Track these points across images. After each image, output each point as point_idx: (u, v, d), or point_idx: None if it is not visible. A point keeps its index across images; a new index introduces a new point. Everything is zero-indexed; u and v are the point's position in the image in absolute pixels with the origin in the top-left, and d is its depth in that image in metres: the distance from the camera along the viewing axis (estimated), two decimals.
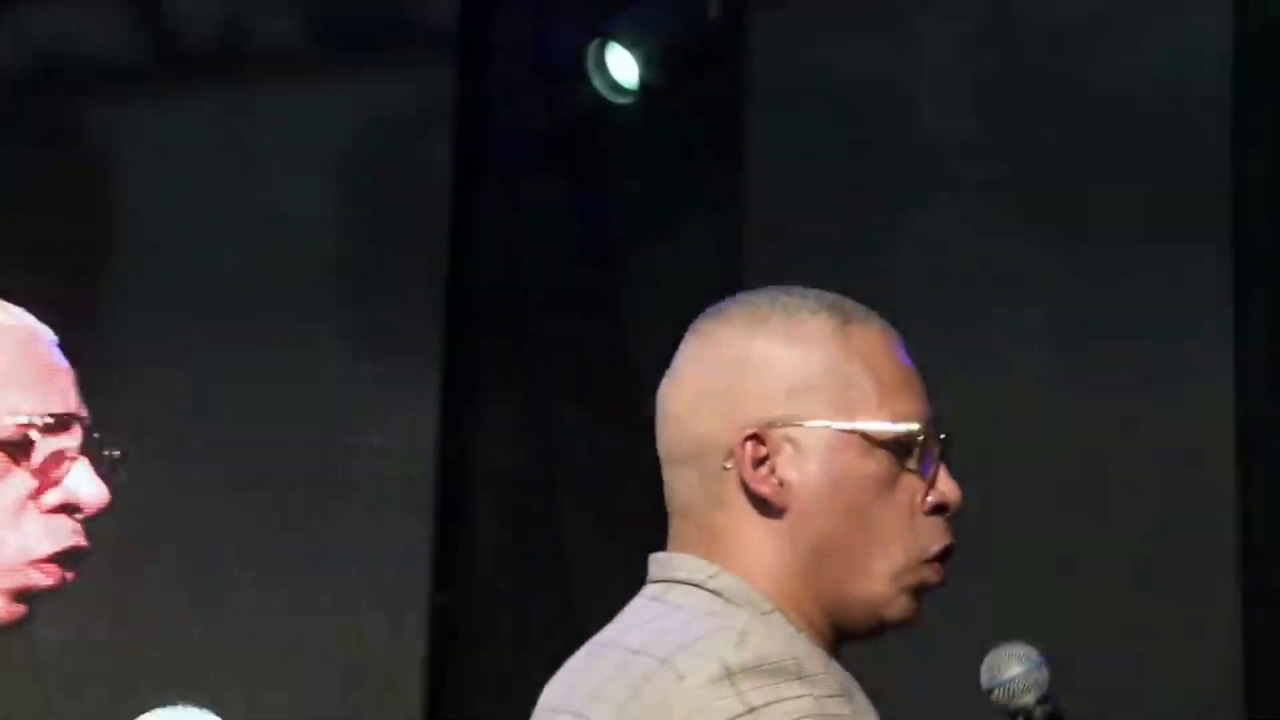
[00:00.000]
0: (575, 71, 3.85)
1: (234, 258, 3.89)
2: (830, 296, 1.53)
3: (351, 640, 3.75)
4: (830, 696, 1.38)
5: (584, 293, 4.07)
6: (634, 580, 4.18)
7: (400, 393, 3.93)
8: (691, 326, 1.55)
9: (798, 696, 1.36)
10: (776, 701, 1.36)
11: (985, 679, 1.55)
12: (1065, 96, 3.79)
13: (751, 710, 1.35)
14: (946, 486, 1.49)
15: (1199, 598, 3.62)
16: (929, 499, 1.48)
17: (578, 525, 4.01)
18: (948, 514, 1.49)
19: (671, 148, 4.01)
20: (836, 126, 3.89)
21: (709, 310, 1.56)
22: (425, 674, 3.81)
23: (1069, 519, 3.70)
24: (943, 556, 1.49)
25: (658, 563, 1.54)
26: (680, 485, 1.51)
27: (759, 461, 1.47)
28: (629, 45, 3.83)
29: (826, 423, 1.46)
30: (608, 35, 3.83)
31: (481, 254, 4.07)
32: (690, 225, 4.01)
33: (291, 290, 3.91)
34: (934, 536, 1.48)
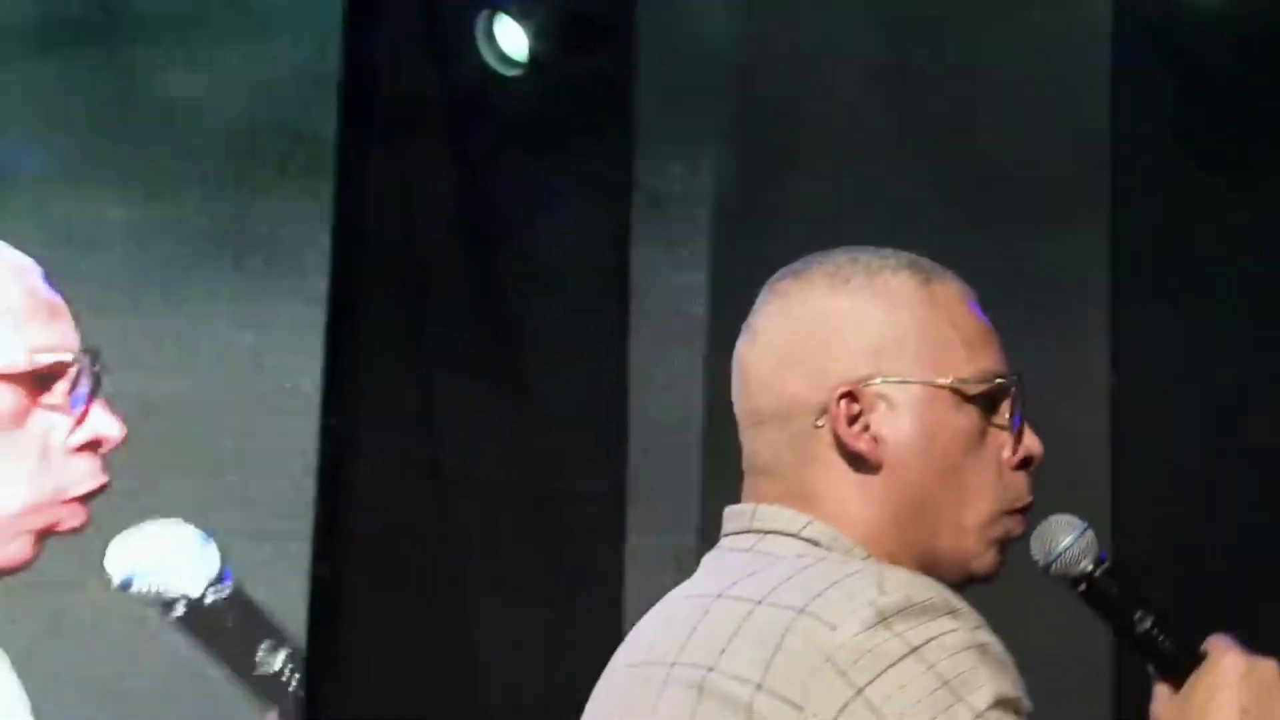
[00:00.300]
0: (464, 42, 3.83)
1: (116, 222, 3.83)
2: (906, 255, 1.56)
3: None
4: (978, 628, 1.40)
5: (472, 265, 4.05)
6: (520, 555, 4.17)
7: (283, 363, 3.88)
8: (770, 288, 1.57)
9: (953, 630, 1.38)
10: (936, 637, 1.37)
11: (1040, 556, 1.57)
12: (952, 70, 3.83)
13: (914, 650, 1.36)
14: (1031, 441, 1.54)
15: None
16: (1017, 453, 1.52)
17: (464, 500, 3.99)
18: (1031, 468, 1.53)
19: (561, 120, 4.00)
20: (725, 99, 3.90)
21: (786, 271, 1.57)
22: (307, 644, 3.77)
23: None
24: (1025, 510, 1.54)
25: (740, 515, 1.55)
26: (764, 445, 1.53)
27: (853, 419, 1.49)
28: (518, 17, 3.82)
29: (920, 378, 1.50)
30: (497, 6, 3.82)
31: (368, 223, 4.03)
32: (579, 198, 4.01)
33: (174, 256, 3.86)
34: (1019, 490, 1.53)
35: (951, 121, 3.87)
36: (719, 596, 1.47)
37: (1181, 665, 1.53)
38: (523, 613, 3.95)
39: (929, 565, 1.49)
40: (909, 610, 1.38)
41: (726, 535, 1.56)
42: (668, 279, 3.86)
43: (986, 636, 1.40)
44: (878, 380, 1.50)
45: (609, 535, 3.84)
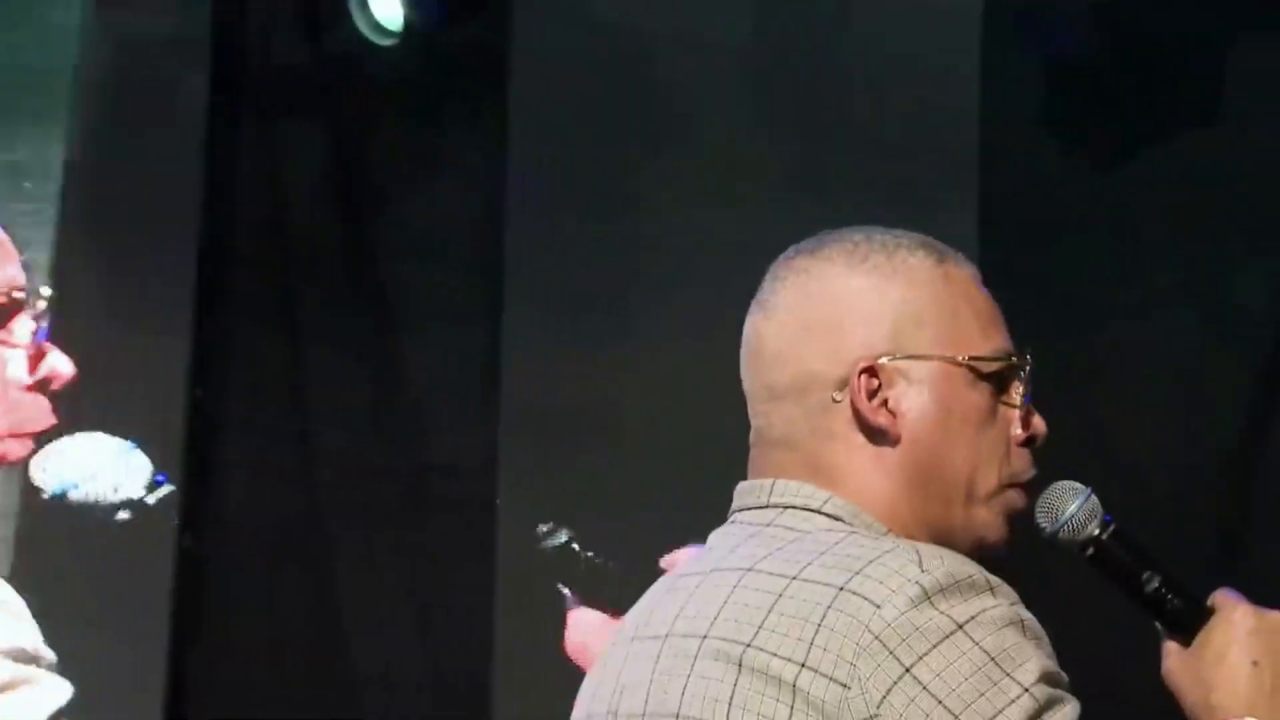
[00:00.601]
0: (338, 10, 3.80)
1: None
2: (918, 235, 1.59)
3: (98, 580, 3.66)
4: (1015, 603, 1.42)
5: (344, 236, 4.02)
6: (390, 527, 4.13)
7: (150, 336, 3.84)
8: (784, 264, 1.59)
9: (995, 606, 1.40)
10: (979, 613, 1.39)
11: (1046, 524, 1.57)
12: (819, 44, 3.86)
13: (960, 627, 1.38)
14: (1037, 420, 1.56)
15: None
16: (1026, 430, 1.55)
17: (332, 471, 3.96)
18: (1035, 445, 1.56)
19: (436, 90, 3.98)
20: (601, 71, 3.90)
21: (800, 248, 1.59)
22: (173, 615, 3.74)
23: None
24: (1029, 484, 1.56)
25: (757, 490, 1.56)
26: (779, 418, 1.54)
27: (872, 393, 1.51)
28: None
29: (937, 354, 1.52)
30: None
31: (238, 194, 3.99)
32: (454, 169, 3.99)
33: (36, 227, 3.80)
34: (1025, 466, 1.56)
35: (821, 100, 3.90)
36: (749, 571, 1.48)
37: (1190, 622, 1.54)
38: (392, 584, 3.93)
39: (942, 536, 1.51)
40: (952, 587, 1.40)
41: (742, 510, 1.57)
42: (544, 251, 3.85)
43: (1024, 613, 1.43)
44: (896, 356, 1.53)
45: (480, 507, 3.83)
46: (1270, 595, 1.61)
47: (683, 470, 3.77)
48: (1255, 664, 1.49)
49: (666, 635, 1.50)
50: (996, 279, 3.98)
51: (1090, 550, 1.55)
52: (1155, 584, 1.54)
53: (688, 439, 3.78)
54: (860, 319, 1.53)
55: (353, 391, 3.99)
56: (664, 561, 3.42)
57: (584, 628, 3.42)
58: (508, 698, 3.77)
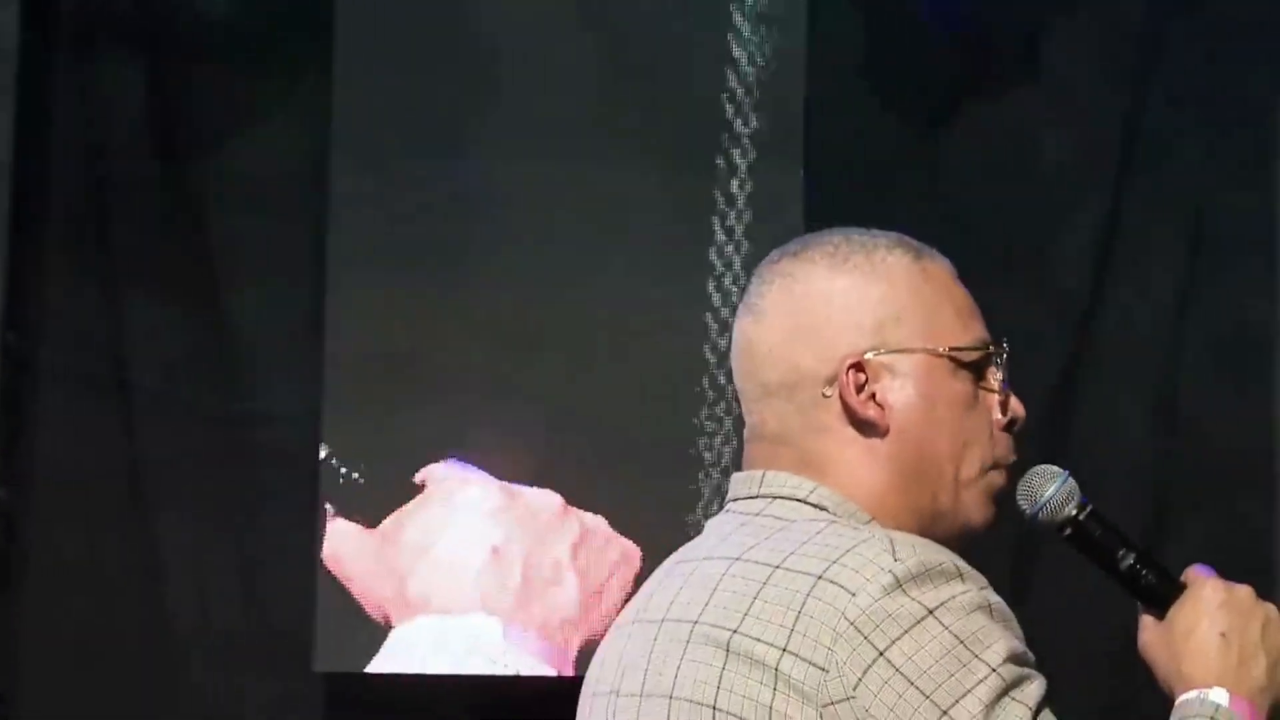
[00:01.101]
0: None
1: None
2: (894, 234, 1.66)
3: None
4: (984, 588, 1.50)
5: (164, 182, 3.94)
6: (211, 477, 4.06)
7: None
8: (769, 268, 1.65)
9: (964, 592, 1.48)
10: (949, 599, 1.47)
11: (1026, 506, 1.62)
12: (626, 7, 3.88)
13: (930, 612, 1.46)
14: (1016, 404, 1.64)
15: None
16: (1006, 414, 1.63)
17: (152, 420, 3.90)
18: (1015, 429, 1.64)
19: (259, 36, 3.91)
20: (427, 20, 3.87)
21: (782, 252, 1.66)
22: None
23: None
24: (1011, 467, 1.63)
25: (749, 480, 1.63)
26: (771, 415, 1.62)
27: (860, 388, 1.59)
28: None
29: (919, 347, 1.60)
30: None
31: (53, 136, 3.90)
32: (278, 116, 3.93)
33: None
34: (1006, 450, 1.63)
35: (647, 48, 3.89)
36: (737, 560, 1.55)
37: (1164, 597, 1.61)
38: (213, 534, 3.88)
39: (928, 523, 1.58)
40: (923, 575, 1.47)
41: (735, 500, 1.64)
42: (368, 200, 3.81)
43: (993, 597, 1.50)
44: (881, 351, 1.60)
45: (302, 457, 3.80)
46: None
47: (503, 415, 3.78)
48: (1223, 636, 1.56)
49: (663, 620, 1.58)
50: (824, 217, 4.00)
51: (1068, 530, 1.61)
52: (1130, 561, 1.61)
53: (508, 385, 3.78)
54: (845, 317, 1.61)
55: (173, 339, 3.93)
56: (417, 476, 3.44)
57: (337, 538, 3.45)
58: (328, 647, 3.74)
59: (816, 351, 1.60)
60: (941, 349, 1.61)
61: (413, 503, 3.69)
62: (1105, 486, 3.84)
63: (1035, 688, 1.47)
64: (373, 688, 3.80)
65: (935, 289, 1.63)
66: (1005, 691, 1.45)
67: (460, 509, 3.61)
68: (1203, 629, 1.57)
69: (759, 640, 1.49)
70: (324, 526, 3.64)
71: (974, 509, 1.61)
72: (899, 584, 1.47)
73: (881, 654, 1.45)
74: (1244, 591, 1.60)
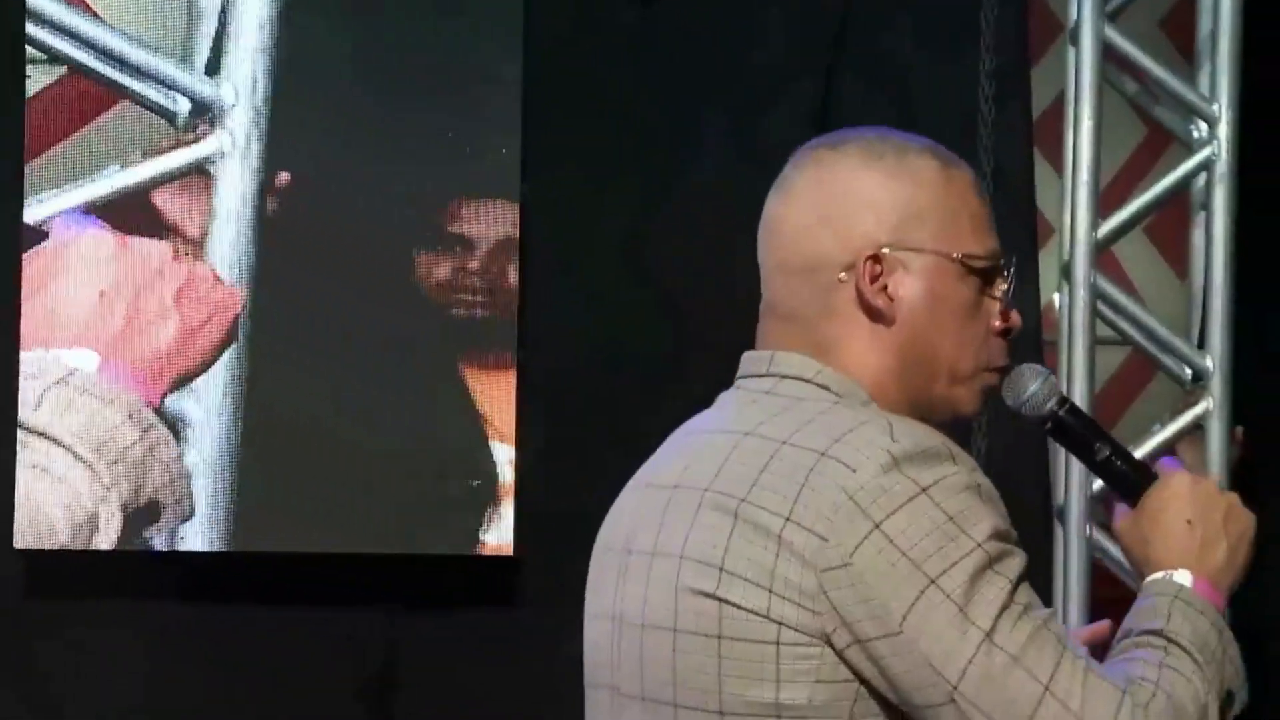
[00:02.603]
0: None
1: None
2: (927, 140, 1.75)
3: None
4: (973, 470, 1.60)
5: None
6: None
7: None
8: (805, 152, 1.74)
9: (954, 473, 1.58)
10: (941, 479, 1.57)
11: (1011, 400, 1.75)
12: None
13: (924, 490, 1.56)
14: (1014, 315, 1.74)
15: None
16: (1004, 323, 1.73)
17: None
18: (1010, 336, 1.74)
19: None
20: None
21: (822, 140, 1.74)
22: None
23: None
24: (1002, 369, 1.75)
25: (759, 360, 1.73)
26: (788, 293, 1.71)
27: (874, 278, 1.68)
28: None
29: (934, 249, 1.69)
30: None
31: None
32: None
33: None
34: (1000, 353, 1.74)
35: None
36: (747, 435, 1.65)
37: (1137, 486, 1.73)
38: None
39: (923, 409, 1.69)
40: (918, 455, 1.58)
41: (745, 377, 1.74)
42: None
43: (981, 478, 1.60)
44: (898, 247, 1.68)
45: None
46: None
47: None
48: (1189, 523, 1.69)
49: (675, 486, 1.69)
50: (542, 118, 4.01)
51: (1049, 424, 1.75)
52: (1106, 453, 1.74)
53: None
54: (870, 210, 1.69)
55: None
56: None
57: None
58: None
59: (838, 238, 1.68)
60: (955, 254, 1.69)
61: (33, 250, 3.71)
62: None
63: (1016, 562, 1.58)
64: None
65: (957, 197, 1.71)
66: (989, 565, 1.56)
67: (75, 257, 3.73)
68: (1169, 515, 1.70)
69: (764, 509, 1.59)
70: None
71: (964, 402, 1.72)
72: (896, 463, 1.57)
73: (877, 526, 1.55)
74: (1209, 482, 1.74)
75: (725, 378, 3.90)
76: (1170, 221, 4.06)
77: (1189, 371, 3.54)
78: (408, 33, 3.89)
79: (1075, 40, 3.52)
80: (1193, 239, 3.69)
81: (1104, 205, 3.61)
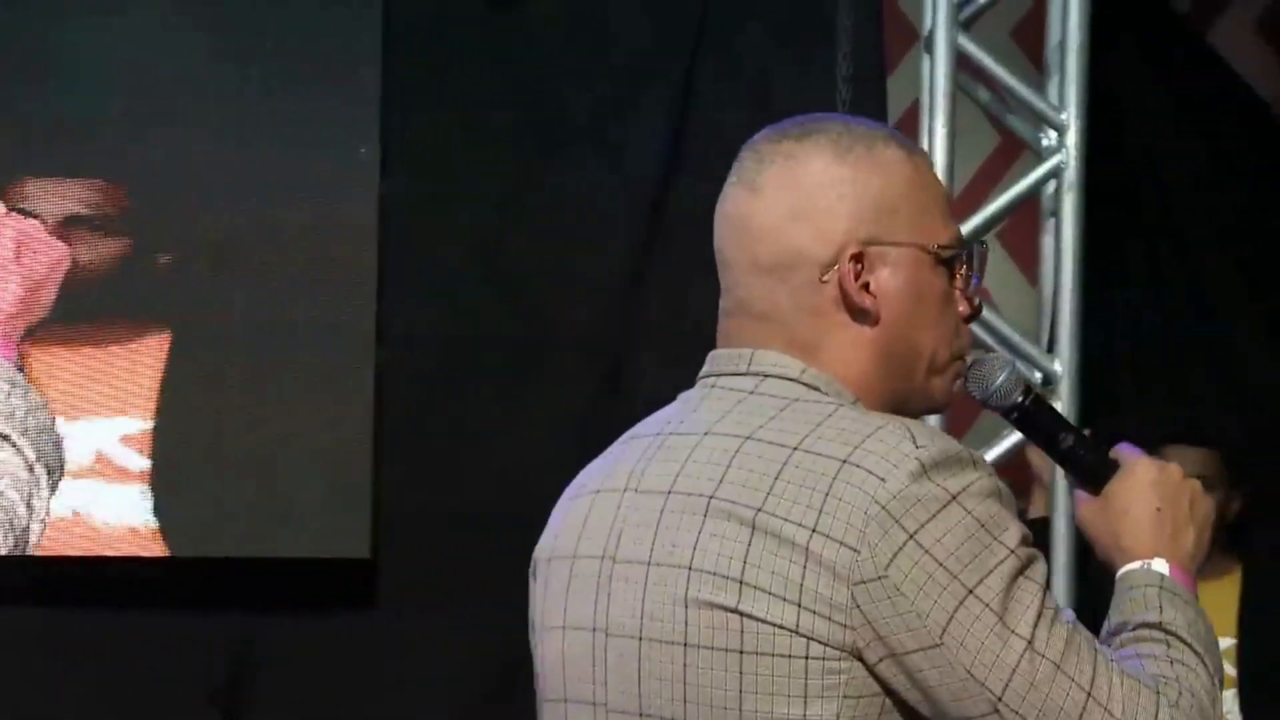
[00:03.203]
0: None
1: None
2: (883, 126, 1.72)
3: None
4: (991, 474, 1.58)
5: None
6: None
7: None
8: (770, 146, 1.68)
9: (979, 478, 1.56)
10: (970, 484, 1.55)
11: (978, 392, 1.74)
12: None
13: (954, 498, 1.54)
14: (976, 298, 1.72)
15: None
16: (970, 309, 1.71)
17: None
18: (973, 320, 1.72)
19: None
20: None
21: (782, 134, 1.68)
22: None
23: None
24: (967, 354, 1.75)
25: (736, 358, 1.66)
26: (761, 292, 1.65)
27: (856, 276, 1.64)
28: None
29: (911, 241, 1.65)
30: None
31: None
32: None
33: None
34: (968, 339, 1.72)
35: None
36: (748, 439, 1.60)
37: (1101, 474, 1.73)
38: None
39: (901, 402, 1.67)
40: (945, 462, 1.55)
41: (721, 375, 1.67)
42: None
43: (999, 482, 1.59)
44: (877, 242, 1.64)
45: None
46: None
47: None
48: (1158, 511, 1.70)
49: (669, 492, 1.61)
50: (400, 118, 3.99)
51: (1015, 415, 1.74)
52: (1070, 442, 1.74)
53: None
54: (846, 206, 1.64)
55: None
56: None
57: None
58: None
59: (815, 236, 1.64)
60: (930, 245, 1.66)
61: None
62: (677, 362, 3.95)
63: (1042, 566, 1.57)
64: None
65: (925, 185, 1.69)
66: (1021, 571, 1.54)
67: None
68: (1139, 505, 1.70)
69: (786, 520, 1.54)
70: None
71: (938, 393, 1.70)
72: (925, 471, 1.54)
73: (911, 536, 1.52)
74: (1173, 468, 1.73)
75: (583, 378, 3.98)
76: (1022, 228, 4.12)
77: (1039, 375, 3.60)
78: (267, 31, 3.86)
79: (929, 48, 3.57)
80: (1042, 245, 3.74)
81: (958, 211, 3.65)
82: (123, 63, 3.82)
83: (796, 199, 1.65)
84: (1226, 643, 3.88)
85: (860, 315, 1.65)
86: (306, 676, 3.90)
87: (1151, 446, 4.15)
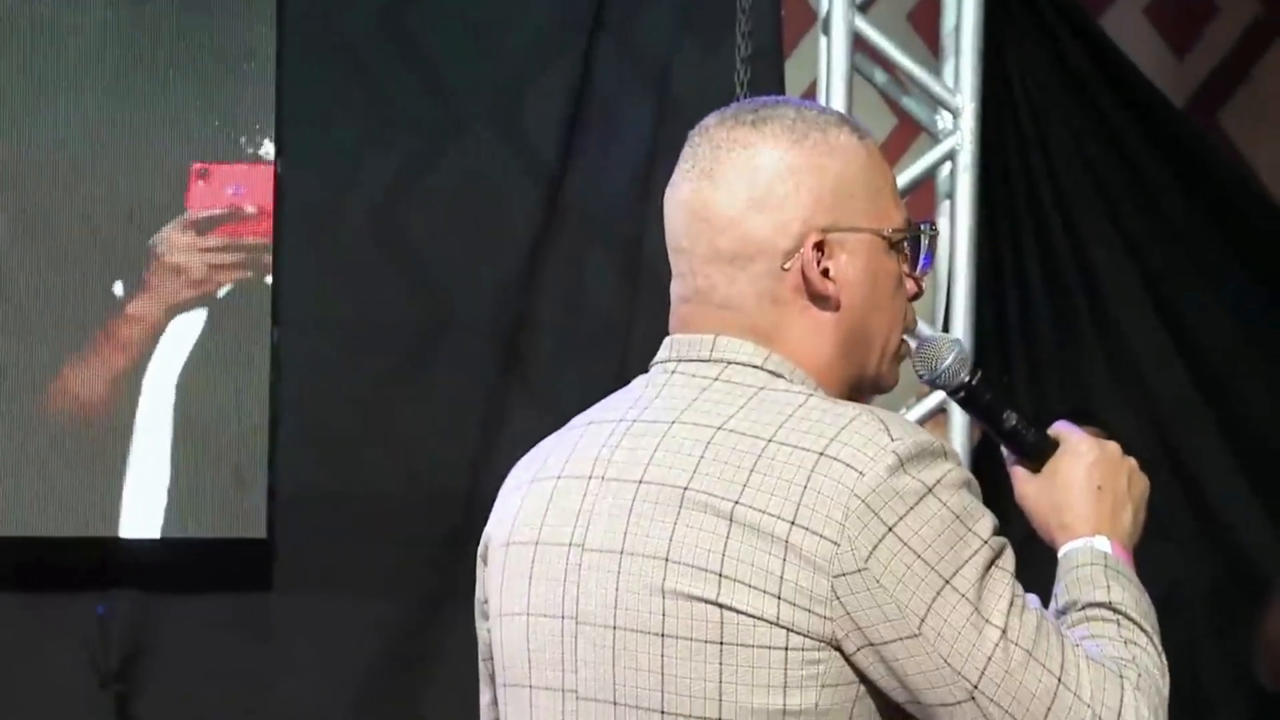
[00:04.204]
0: None
1: None
2: (835, 111, 1.74)
3: None
4: (961, 464, 1.60)
5: None
6: None
7: None
8: (725, 134, 1.68)
9: (951, 469, 1.58)
10: (944, 476, 1.57)
11: (924, 372, 1.75)
12: None
13: (930, 490, 1.55)
14: (920, 279, 1.73)
15: None
16: (916, 289, 1.72)
17: None
18: (916, 299, 1.74)
19: None
20: None
21: (735, 120, 1.68)
22: None
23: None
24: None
25: (698, 344, 1.67)
26: (722, 280, 1.66)
27: (818, 263, 1.65)
28: None
29: (868, 227, 1.67)
30: None
31: None
32: None
33: None
34: (914, 320, 1.74)
35: None
36: (719, 429, 1.60)
37: (1041, 452, 1.75)
38: None
39: (854, 387, 1.69)
40: (920, 454, 1.56)
41: (682, 361, 1.67)
42: None
43: (968, 472, 1.61)
44: (836, 229, 1.66)
45: None
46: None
47: None
48: (1099, 489, 1.73)
49: (640, 481, 1.62)
50: (297, 95, 3.97)
51: (961, 394, 1.76)
52: (1013, 421, 1.76)
53: None
54: (806, 194, 1.65)
55: None
56: None
57: None
58: None
59: (775, 225, 1.65)
60: (886, 230, 1.68)
61: None
62: (575, 344, 3.96)
63: (1010, 555, 1.59)
64: None
65: (877, 170, 1.70)
66: (993, 561, 1.57)
67: None
68: (1080, 483, 1.73)
69: (764, 512, 1.55)
70: None
71: (890, 375, 1.72)
72: (901, 464, 1.55)
73: (890, 529, 1.54)
74: (1113, 447, 1.76)
75: (482, 360, 3.97)
76: (919, 210, 4.15)
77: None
78: (163, 7, 3.82)
79: (827, 30, 3.58)
80: (938, 227, 3.78)
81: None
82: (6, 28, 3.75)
83: (755, 188, 1.66)
84: None
85: (821, 302, 1.66)
86: (201, 658, 3.88)
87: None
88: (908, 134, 4.41)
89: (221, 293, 3.83)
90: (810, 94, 3.84)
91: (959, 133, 3.69)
